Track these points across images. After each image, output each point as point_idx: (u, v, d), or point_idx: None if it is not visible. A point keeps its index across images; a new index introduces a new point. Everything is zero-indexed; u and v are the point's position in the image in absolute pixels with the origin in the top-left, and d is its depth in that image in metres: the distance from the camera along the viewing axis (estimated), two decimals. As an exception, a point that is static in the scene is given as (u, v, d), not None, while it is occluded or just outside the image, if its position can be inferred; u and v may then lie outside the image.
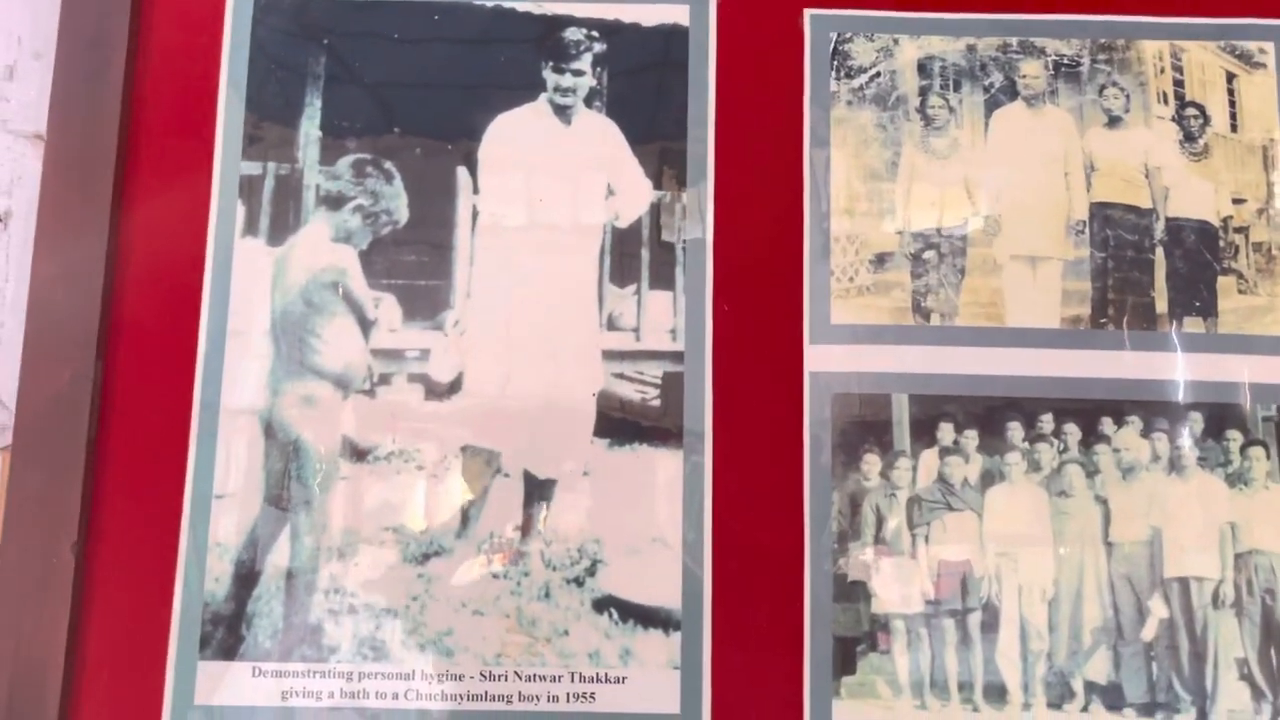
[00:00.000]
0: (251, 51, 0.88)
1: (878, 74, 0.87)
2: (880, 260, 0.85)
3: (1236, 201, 0.86)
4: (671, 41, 0.87)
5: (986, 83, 0.87)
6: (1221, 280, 0.85)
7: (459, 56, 0.88)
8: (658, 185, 0.86)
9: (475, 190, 0.86)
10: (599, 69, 0.87)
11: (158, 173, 0.86)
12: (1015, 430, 0.82)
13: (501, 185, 0.86)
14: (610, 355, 0.84)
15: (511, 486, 0.82)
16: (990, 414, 0.82)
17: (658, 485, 0.81)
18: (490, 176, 0.86)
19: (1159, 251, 0.85)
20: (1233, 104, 0.87)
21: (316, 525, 0.81)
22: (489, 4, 0.88)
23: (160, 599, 0.81)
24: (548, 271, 0.85)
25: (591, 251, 0.85)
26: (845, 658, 0.79)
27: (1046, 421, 0.82)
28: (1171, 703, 0.79)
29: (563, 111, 0.87)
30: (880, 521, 0.81)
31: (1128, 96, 0.87)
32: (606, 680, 0.79)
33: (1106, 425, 0.82)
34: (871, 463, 0.82)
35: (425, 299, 0.84)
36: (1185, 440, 0.82)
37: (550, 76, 0.87)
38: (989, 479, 0.82)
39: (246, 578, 0.81)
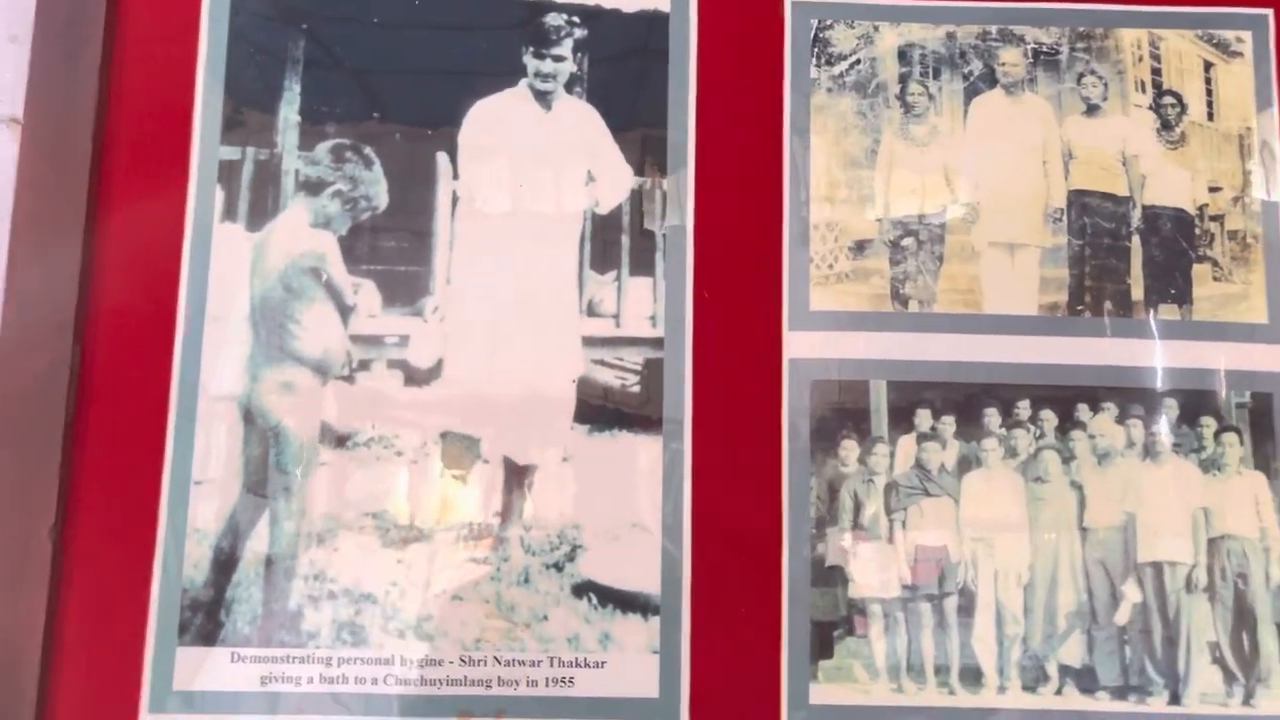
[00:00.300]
0: (230, 35, 0.87)
1: (858, 61, 0.88)
2: (859, 247, 0.85)
3: (1212, 190, 0.86)
4: (652, 28, 0.87)
5: (966, 70, 0.88)
6: (1197, 268, 0.85)
7: (439, 41, 0.87)
8: (638, 172, 0.86)
9: (455, 176, 0.85)
10: (580, 55, 0.87)
11: (135, 157, 0.86)
12: (992, 416, 0.83)
13: (482, 171, 0.86)
14: (590, 341, 0.84)
15: (491, 472, 0.82)
16: (968, 400, 0.83)
17: (637, 471, 0.82)
18: (470, 162, 0.86)
19: (1135, 239, 0.85)
20: (1209, 93, 0.88)
21: (296, 511, 0.81)
22: (469, -11, 0.88)
23: (138, 585, 0.80)
24: (528, 258, 0.85)
25: (572, 238, 0.85)
26: (823, 642, 0.80)
27: (1023, 408, 0.83)
28: (1144, 686, 0.80)
29: (543, 97, 0.87)
30: (858, 507, 0.82)
31: (1106, 85, 0.87)
32: (586, 665, 0.79)
33: (1082, 412, 0.83)
34: (850, 448, 0.82)
35: (405, 285, 0.84)
36: (1160, 426, 0.83)
37: (531, 62, 0.87)
38: (966, 465, 0.82)
39: (225, 563, 0.81)
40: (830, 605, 0.80)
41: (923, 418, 0.83)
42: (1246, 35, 0.89)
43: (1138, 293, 0.85)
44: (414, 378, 0.83)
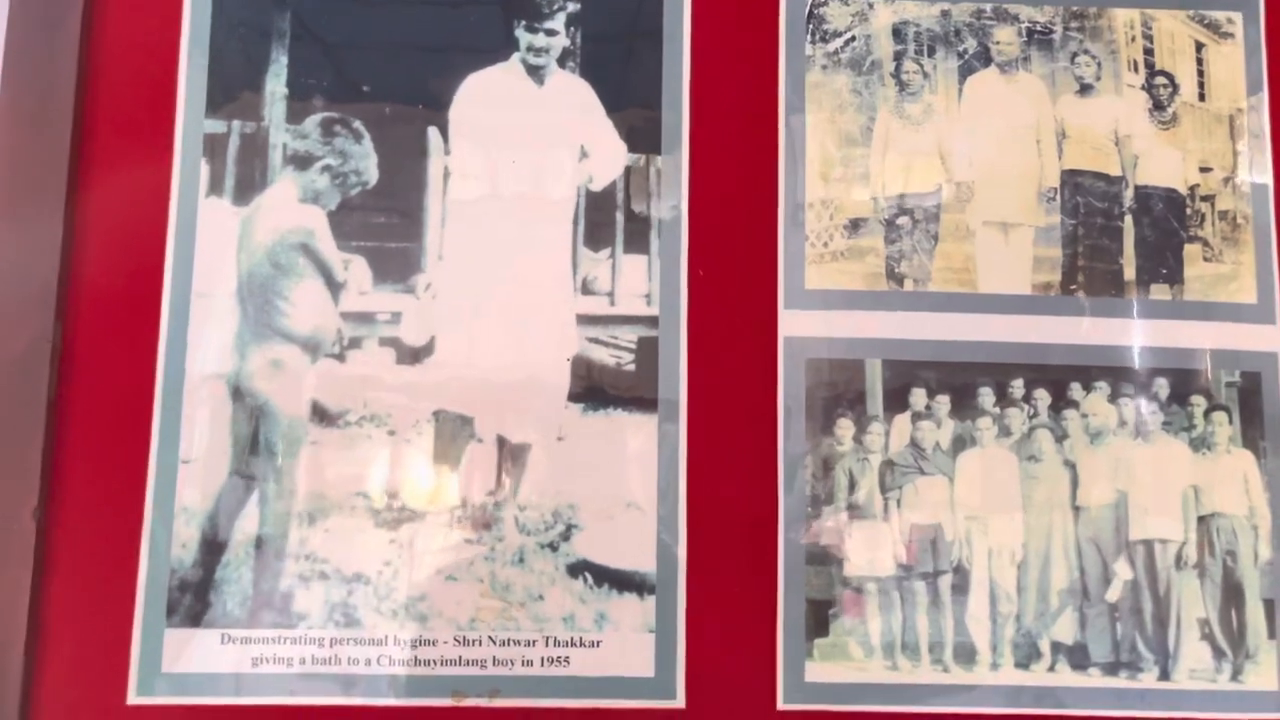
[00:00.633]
0: (214, 6, 0.85)
1: (853, 38, 0.87)
2: (855, 226, 0.85)
3: (1203, 170, 0.87)
4: (646, 2, 0.86)
5: (960, 48, 0.87)
6: (1188, 248, 0.86)
7: (430, 14, 0.86)
8: (632, 148, 0.85)
9: (446, 151, 0.84)
10: (572, 29, 0.86)
11: (118, 129, 0.84)
12: (986, 396, 0.83)
13: (473, 146, 0.84)
14: (584, 320, 0.83)
15: (485, 451, 0.81)
16: (962, 379, 0.83)
17: (632, 450, 0.81)
18: (462, 137, 0.84)
19: (1128, 219, 0.86)
20: (1201, 73, 0.88)
21: (286, 491, 0.80)
22: (460, -40, 0.86)
23: (125, 566, 0.79)
24: (521, 234, 0.84)
25: (565, 214, 0.84)
26: (818, 620, 0.80)
27: (1017, 387, 0.83)
28: (1135, 662, 0.81)
29: (535, 72, 0.86)
30: (853, 486, 0.82)
31: (1099, 64, 0.88)
32: (581, 644, 0.79)
33: (1075, 391, 0.83)
34: (845, 427, 0.82)
35: (396, 261, 0.83)
36: (1151, 405, 0.83)
37: (523, 36, 0.86)
38: (960, 444, 0.83)
39: (214, 544, 0.79)
40: (825, 584, 0.80)
41: (918, 397, 0.83)
42: (1237, 16, 0.89)
43: (1130, 272, 0.85)
44: (406, 356, 0.82)
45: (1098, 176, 0.86)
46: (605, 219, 0.84)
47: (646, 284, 0.83)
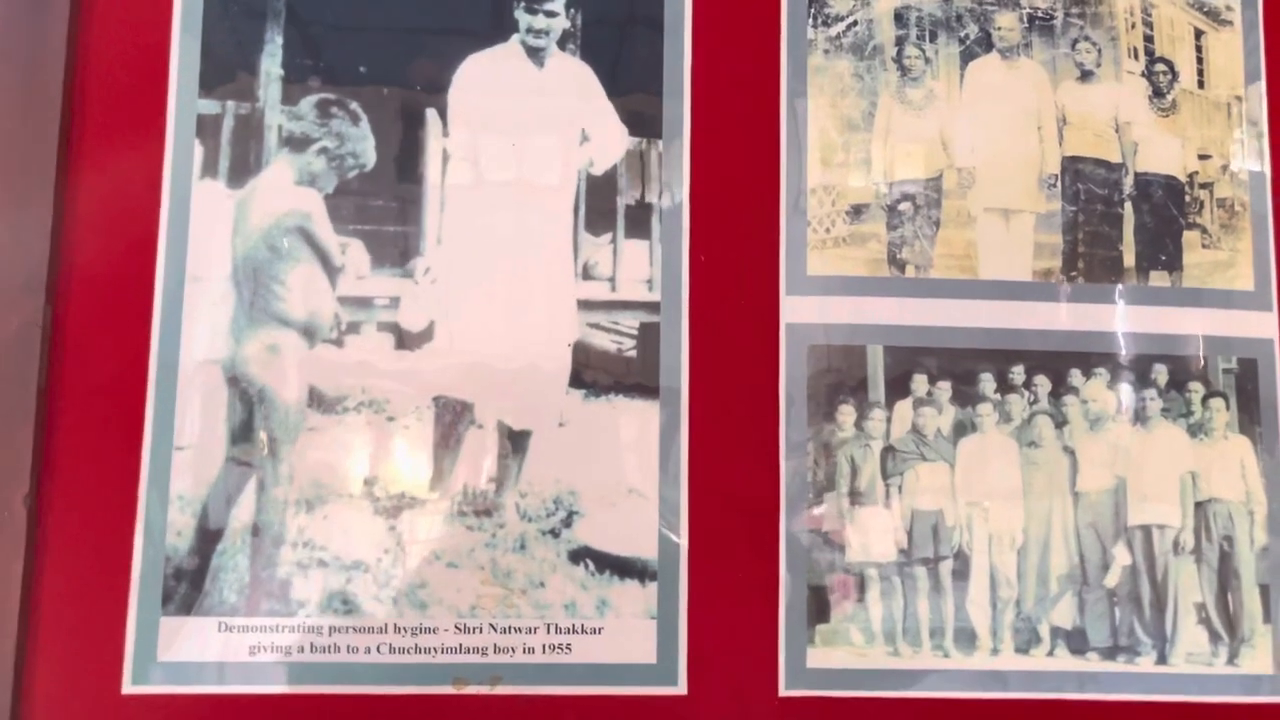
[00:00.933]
0: (206, -17, 0.84)
1: (854, 23, 0.87)
2: (856, 211, 0.84)
3: (1202, 157, 0.87)
4: (646, -16, 0.85)
5: (962, 34, 0.87)
6: (1187, 235, 0.86)
7: (427, -6, 0.85)
8: (633, 132, 0.84)
9: (445, 133, 0.83)
10: (573, 10, 0.85)
11: (109, 110, 0.82)
12: (987, 382, 0.83)
13: (472, 129, 0.83)
14: (585, 305, 0.82)
15: (486, 438, 0.80)
16: (963, 365, 0.83)
17: (634, 436, 0.81)
18: (461, 120, 0.83)
19: (1128, 206, 0.86)
20: (1200, 60, 0.88)
21: (283, 477, 0.79)
22: (458, -60, 0.85)
23: (119, 553, 0.78)
24: (521, 218, 0.83)
25: (566, 199, 0.83)
26: (820, 606, 0.80)
27: (1018, 373, 0.83)
28: (1133, 646, 0.81)
29: (535, 54, 0.85)
30: (855, 472, 0.82)
31: (1099, 51, 0.87)
32: (583, 631, 0.79)
33: (1075, 377, 0.83)
34: (846, 414, 0.82)
35: (394, 245, 0.82)
36: (1150, 392, 0.84)
37: (523, 17, 0.85)
38: (961, 430, 0.83)
39: (210, 531, 0.78)
40: (827, 569, 0.80)
41: (919, 383, 0.83)
42: (1235, 3, 0.89)
43: (1129, 259, 0.85)
44: (405, 341, 0.81)
45: (1098, 163, 0.86)
46: (606, 203, 0.83)
47: (648, 269, 0.83)
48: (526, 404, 0.81)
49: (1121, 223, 0.86)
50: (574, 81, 0.84)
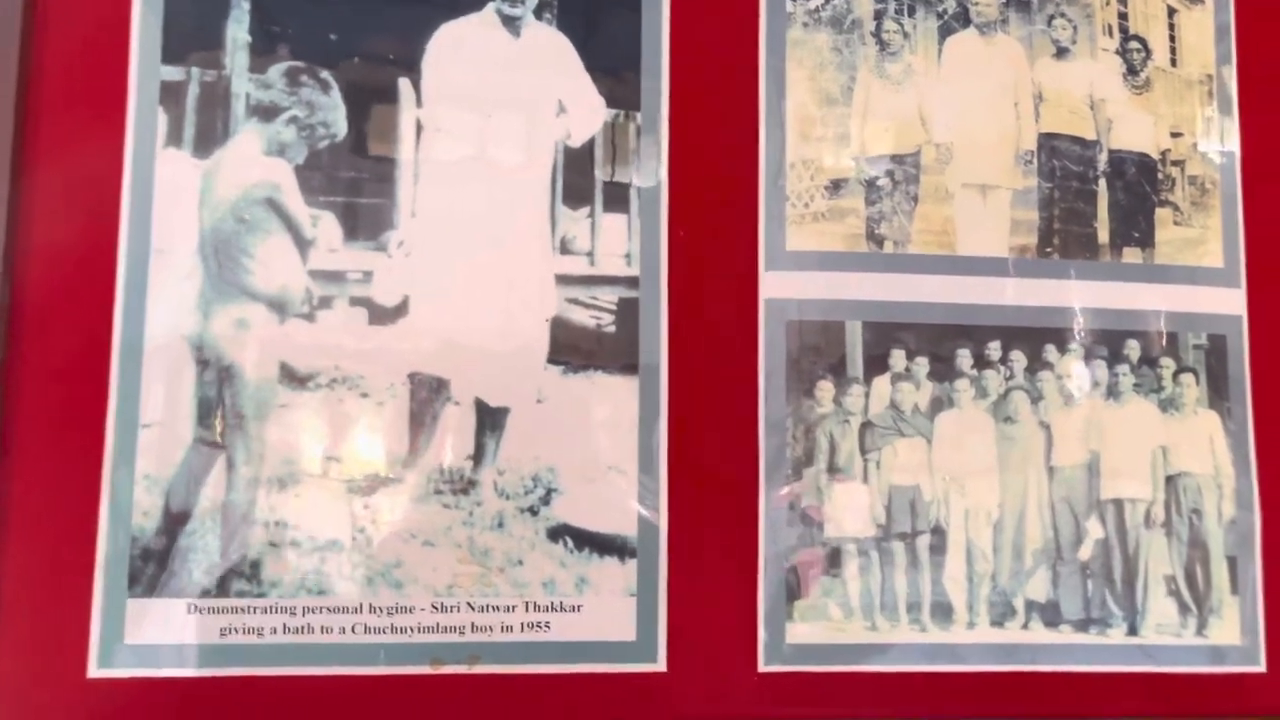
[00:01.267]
0: (168, -55, 0.81)
1: (833, -4, 0.86)
2: (835, 186, 0.84)
3: (1174, 135, 0.88)
4: (622, -46, 0.84)
5: (940, 8, 0.87)
6: (1159, 212, 0.87)
7: (400, -40, 0.82)
8: (611, 104, 0.83)
9: (419, 103, 0.81)
10: (549, -21, 0.83)
11: (68, 77, 0.79)
12: (964, 357, 0.83)
13: (447, 99, 0.81)
14: (564, 280, 0.81)
15: (462, 415, 0.79)
16: (941, 341, 0.83)
17: (613, 412, 0.80)
18: (435, 90, 0.81)
19: (1102, 183, 0.86)
20: (1173, 38, 0.89)
21: (254, 455, 0.77)
22: (431, -96, 0.83)
23: (83, 534, 0.76)
24: (497, 191, 0.81)
25: (542, 171, 0.82)
26: (799, 581, 0.80)
27: (994, 349, 0.84)
28: (1105, 618, 0.82)
29: (511, 23, 0.83)
30: (833, 447, 0.82)
31: (1075, 28, 0.88)
32: (562, 609, 0.78)
33: (1050, 353, 0.84)
34: (825, 389, 0.82)
35: (367, 218, 0.80)
36: (1122, 367, 0.85)
37: (498, -15, 0.83)
38: (938, 405, 0.83)
39: (178, 511, 0.76)
40: (806, 545, 0.80)
41: (897, 359, 0.83)
42: (1207, -17, 0.90)
43: (1104, 236, 0.86)
44: (379, 316, 0.79)
45: (1073, 140, 0.87)
46: (584, 177, 0.82)
47: (626, 244, 0.82)
48: (504, 380, 0.80)
49: (1096, 199, 0.86)
50: (551, 52, 0.83)
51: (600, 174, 0.82)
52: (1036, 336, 0.84)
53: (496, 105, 0.82)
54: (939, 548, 0.81)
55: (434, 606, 0.77)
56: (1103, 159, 0.87)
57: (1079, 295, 0.85)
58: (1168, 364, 0.85)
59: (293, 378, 0.78)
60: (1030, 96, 0.86)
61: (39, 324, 0.77)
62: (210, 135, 0.80)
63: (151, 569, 0.76)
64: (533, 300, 0.80)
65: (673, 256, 0.82)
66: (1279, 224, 0.88)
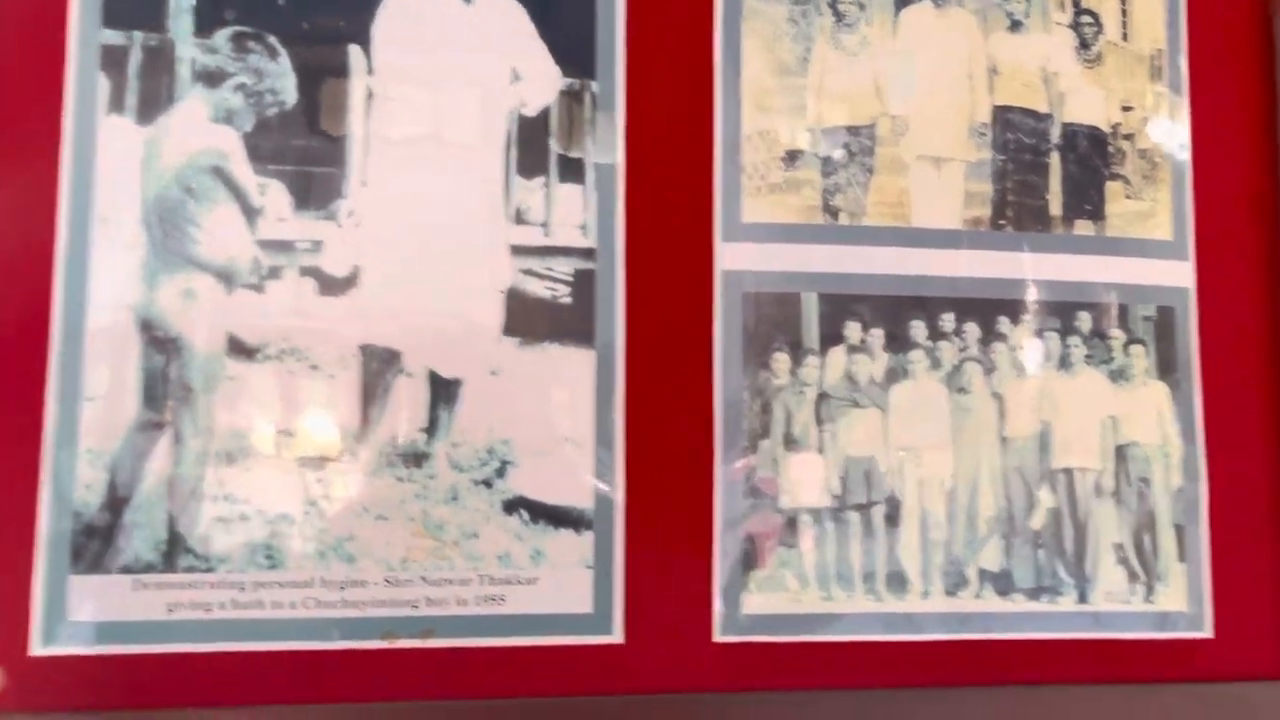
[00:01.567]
0: (108, -95, 0.78)
1: (789, -34, 0.85)
2: (791, 158, 0.84)
3: (1125, 109, 0.89)
4: (577, -79, 0.83)
5: (895, -20, 0.87)
6: (1110, 185, 0.88)
7: (349, -77, 0.81)
8: (566, 73, 0.82)
9: (370, 70, 0.80)
10: (502, -55, 0.82)
11: (3, 40, 0.77)
12: (919, 329, 0.84)
13: (398, 66, 0.80)
14: (518, 250, 0.80)
15: (415, 387, 0.78)
16: (895, 313, 0.83)
17: (568, 384, 0.79)
18: (386, 56, 0.80)
19: (1054, 155, 0.87)
20: (1124, 13, 0.89)
21: (202, 429, 0.76)
22: None
23: (23, 510, 0.74)
24: (450, 160, 0.80)
25: (496, 140, 0.81)
26: (755, 552, 0.80)
27: (948, 320, 0.84)
28: (1055, 587, 0.83)
29: (464, -11, 0.82)
30: (789, 419, 0.82)
31: (1029, 1, 0.88)
32: (517, 582, 0.77)
33: (1003, 324, 0.85)
34: (781, 361, 0.82)
35: (317, 187, 0.79)
36: (1074, 338, 0.85)
37: (450, -49, 0.82)
38: (894, 376, 0.83)
39: (123, 485, 0.75)
40: (762, 516, 0.80)
41: (852, 330, 0.83)
42: (1157, -42, 0.90)
43: (1056, 208, 0.86)
44: (329, 286, 0.78)
45: (1026, 113, 0.87)
46: (538, 146, 0.81)
47: (582, 214, 0.81)
48: (457, 352, 0.79)
49: (1048, 172, 0.87)
50: (504, 18, 0.82)
51: (555, 144, 0.81)
52: (990, 308, 0.84)
53: (449, 73, 0.81)
54: (894, 518, 0.82)
55: (387, 580, 0.76)
56: (1055, 132, 0.87)
57: (1031, 267, 0.85)
58: (1118, 335, 0.86)
59: (241, 350, 0.77)
60: (984, 69, 0.87)
61: (-24, 294, 0.75)
62: (154, 101, 0.78)
63: (96, 545, 0.74)
64: (486, 271, 0.79)
65: (629, 228, 0.81)
66: (1227, 197, 0.89)
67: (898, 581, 0.81)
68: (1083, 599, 0.83)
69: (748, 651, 0.79)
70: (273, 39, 0.79)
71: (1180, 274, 0.87)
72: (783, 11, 0.85)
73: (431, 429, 0.78)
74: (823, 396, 0.82)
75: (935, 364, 0.84)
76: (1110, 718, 0.82)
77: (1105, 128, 0.88)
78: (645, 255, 0.81)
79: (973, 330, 0.84)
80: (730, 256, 0.82)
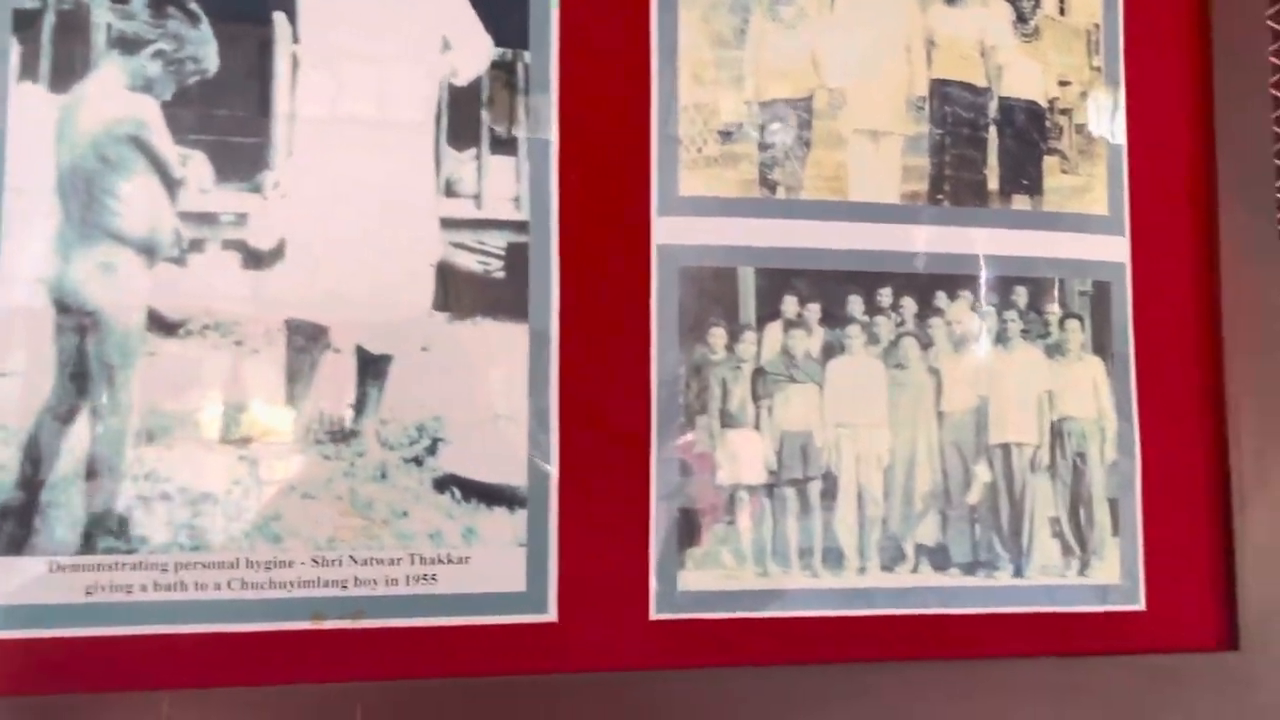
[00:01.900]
0: None
1: (726, -64, 0.84)
2: (728, 131, 0.83)
3: (1062, 84, 0.88)
4: (510, -113, 0.81)
5: (833, -48, 0.86)
6: (1047, 160, 0.88)
7: (273, -114, 0.78)
8: (498, 42, 0.80)
9: (295, 38, 0.78)
10: (432, -89, 0.80)
11: (-92, 0, 0.74)
12: (855, 303, 0.83)
13: (324, 34, 0.78)
14: (449, 224, 0.78)
15: (342, 363, 0.76)
16: (833, 288, 0.83)
17: (502, 360, 0.78)
18: (311, 23, 0.78)
19: (992, 130, 0.87)
20: (1062, -13, 0.89)
21: (121, 406, 0.73)
22: None
23: (-66, 491, 0.71)
24: (378, 131, 0.78)
25: (426, 111, 0.79)
26: (691, 529, 0.79)
27: (885, 295, 0.84)
28: (992, 561, 0.83)
29: (393, -44, 0.80)
30: (726, 394, 0.81)
31: (967, -26, 0.88)
32: (449, 561, 0.76)
33: (940, 299, 0.84)
34: (718, 336, 0.81)
35: (241, 158, 0.76)
36: (1011, 313, 0.85)
37: (378, -84, 0.79)
38: (830, 351, 0.83)
39: (39, 465, 0.72)
40: (698, 492, 0.80)
41: (789, 305, 0.82)
42: (1095, -67, 0.90)
43: (993, 183, 0.86)
44: (254, 260, 0.76)
45: (964, 87, 0.87)
46: (470, 117, 0.79)
47: (515, 187, 0.79)
48: (386, 327, 0.77)
49: (986, 146, 0.87)
50: (434, -13, 0.80)
51: (487, 114, 0.80)
52: (927, 283, 0.84)
53: (377, 40, 0.79)
54: (830, 493, 0.81)
55: (315, 560, 0.75)
56: (993, 106, 0.87)
57: (969, 242, 0.85)
58: (1054, 310, 0.86)
59: (162, 325, 0.74)
60: (922, 42, 0.86)
61: (-119, 268, 0.72)
62: (69, 68, 0.75)
63: (10, 527, 0.72)
64: (416, 245, 0.78)
65: (563, 200, 0.80)
66: (1162, 173, 0.89)
67: (835, 557, 0.81)
68: (1019, 573, 0.84)
69: (684, 629, 0.79)
70: (193, 4, 0.77)
71: (1116, 249, 0.88)
72: (719, -18, 0.84)
73: (360, 406, 0.76)
74: (759, 372, 0.82)
75: (872, 339, 0.83)
76: (1045, 690, 0.82)
77: (1043, 102, 0.88)
78: (580, 229, 0.80)
79: (910, 305, 0.84)
80: (666, 230, 0.81)
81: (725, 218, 0.82)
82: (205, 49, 0.77)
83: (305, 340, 0.76)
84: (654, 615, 0.78)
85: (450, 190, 0.79)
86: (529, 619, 0.77)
